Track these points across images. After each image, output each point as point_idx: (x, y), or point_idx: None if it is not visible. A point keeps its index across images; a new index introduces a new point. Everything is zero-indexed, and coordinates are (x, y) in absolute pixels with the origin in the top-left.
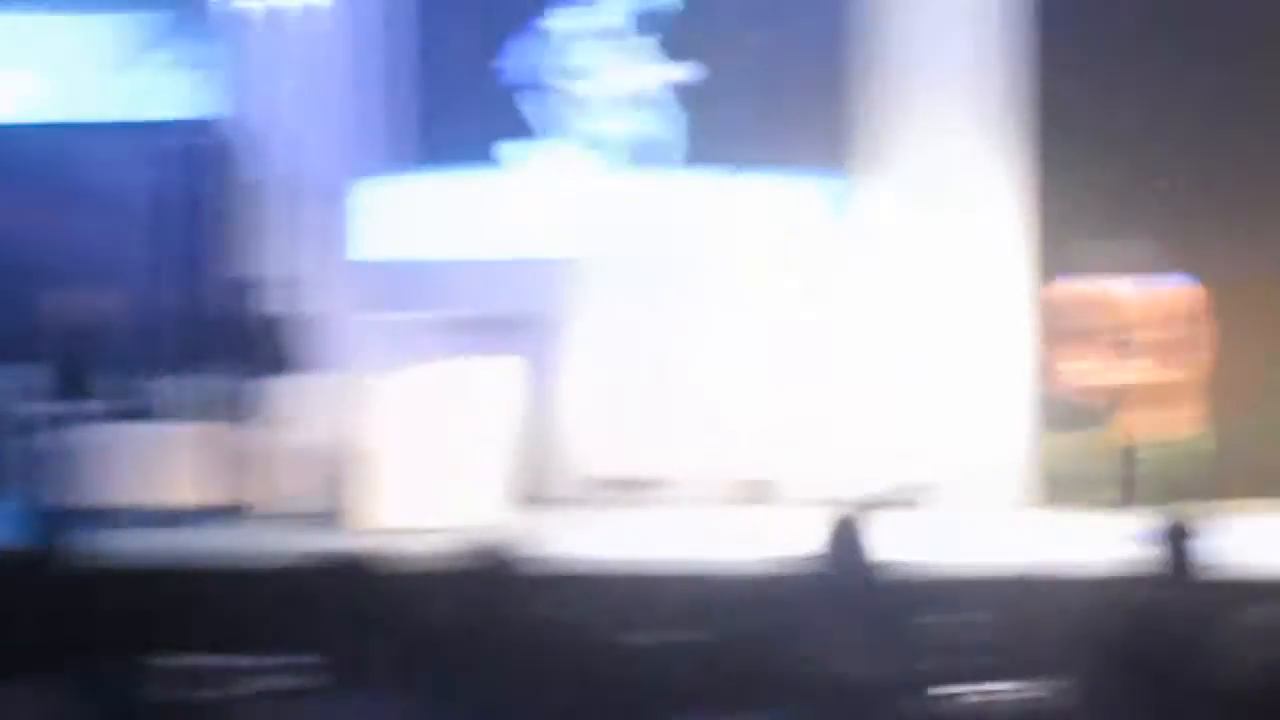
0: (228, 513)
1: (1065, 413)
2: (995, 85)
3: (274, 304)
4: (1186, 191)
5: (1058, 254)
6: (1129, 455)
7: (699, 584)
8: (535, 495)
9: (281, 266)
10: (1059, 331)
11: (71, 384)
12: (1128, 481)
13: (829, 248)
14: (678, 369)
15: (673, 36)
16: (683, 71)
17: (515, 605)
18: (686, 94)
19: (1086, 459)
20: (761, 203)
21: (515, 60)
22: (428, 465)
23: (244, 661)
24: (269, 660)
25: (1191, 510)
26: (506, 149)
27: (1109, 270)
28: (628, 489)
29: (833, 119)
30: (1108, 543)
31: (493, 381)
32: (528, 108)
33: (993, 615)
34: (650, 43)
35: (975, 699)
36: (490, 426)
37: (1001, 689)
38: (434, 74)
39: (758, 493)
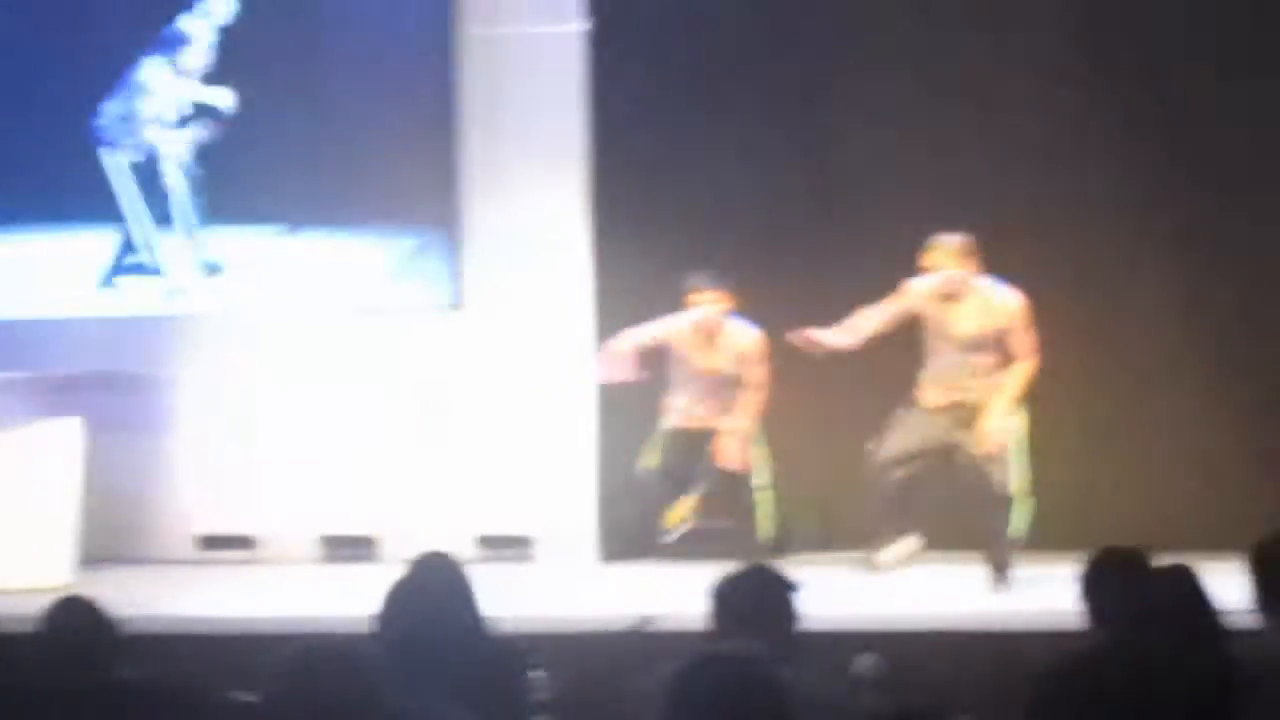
0: None
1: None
2: (571, 156)
3: None
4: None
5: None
6: (718, 502)
7: (295, 641)
8: (132, 555)
9: None
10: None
11: None
12: (714, 531)
13: (420, 308)
14: (275, 427)
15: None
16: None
17: (97, 666)
18: (278, 150)
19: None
20: (355, 261)
21: (92, 115)
22: None
23: None
24: None
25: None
26: (85, 205)
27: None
28: (228, 547)
29: (423, 178)
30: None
31: (65, 442)
32: (108, 162)
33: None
34: (225, 95)
35: None
36: (60, 488)
37: None
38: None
39: (359, 550)
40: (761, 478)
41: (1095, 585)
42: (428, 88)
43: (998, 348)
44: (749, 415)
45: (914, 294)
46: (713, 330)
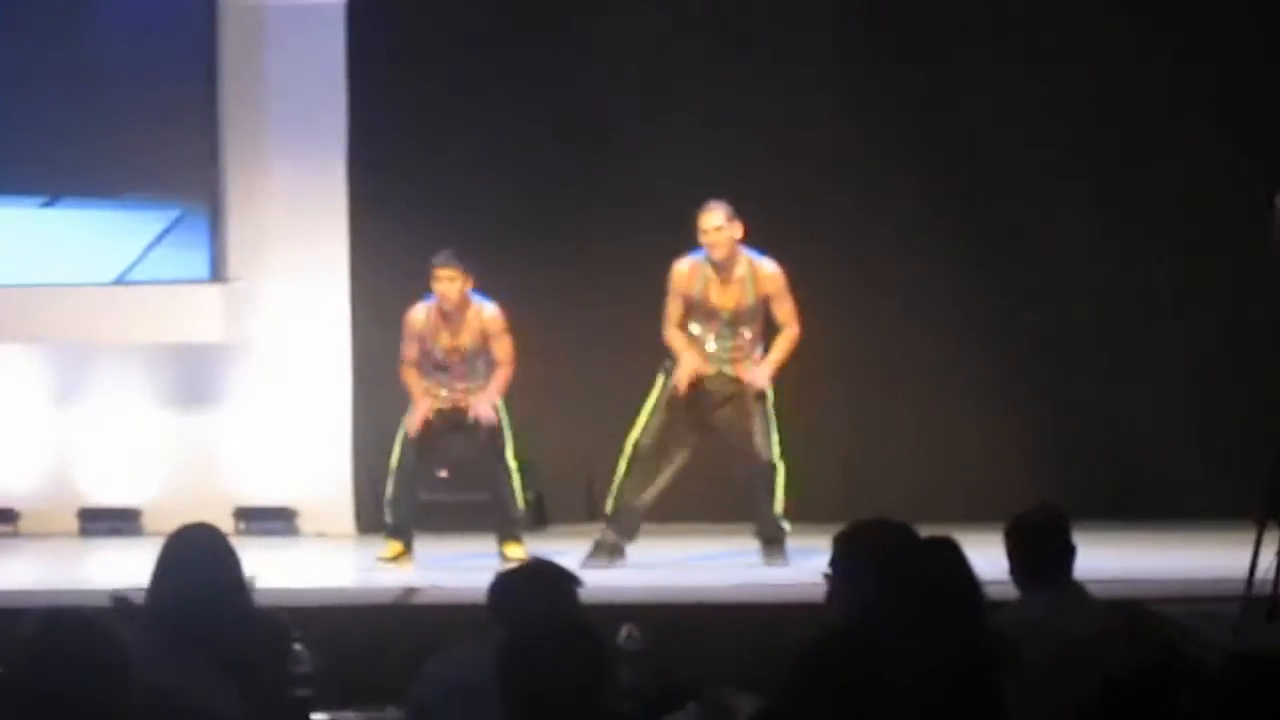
0: None
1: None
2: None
3: None
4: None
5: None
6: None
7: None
8: None
9: None
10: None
11: None
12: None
13: (181, 279)
14: (36, 400)
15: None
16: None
17: None
18: (38, 121)
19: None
20: (115, 232)
21: None
22: None
23: None
24: None
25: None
26: None
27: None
28: None
29: (185, 150)
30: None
31: None
32: None
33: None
34: None
35: None
36: None
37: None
38: None
39: (121, 523)
40: (512, 451)
41: (851, 556)
42: (190, 58)
43: (760, 318)
44: (499, 388)
45: (681, 277)
46: (452, 309)
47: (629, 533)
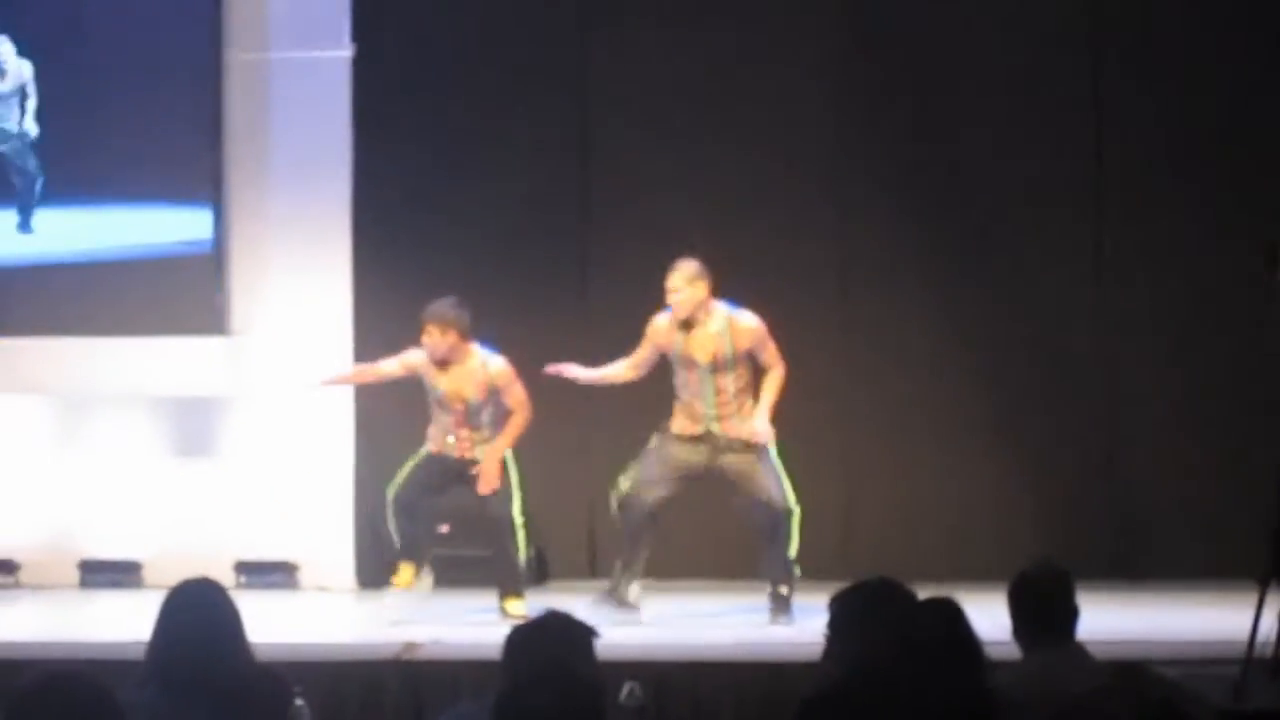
0: None
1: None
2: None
3: None
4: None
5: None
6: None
7: (38, 667)
8: None
9: None
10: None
11: None
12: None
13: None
14: (36, 449)
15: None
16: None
17: None
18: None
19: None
20: (119, 283)
21: None
22: None
23: None
24: None
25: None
26: None
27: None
28: None
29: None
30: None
31: None
32: None
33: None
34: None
35: None
36: None
37: None
38: None
39: (121, 576)
40: (516, 504)
41: (849, 616)
42: (195, 111)
43: (744, 369)
44: (511, 437)
45: (660, 330)
46: (450, 360)
47: (632, 577)
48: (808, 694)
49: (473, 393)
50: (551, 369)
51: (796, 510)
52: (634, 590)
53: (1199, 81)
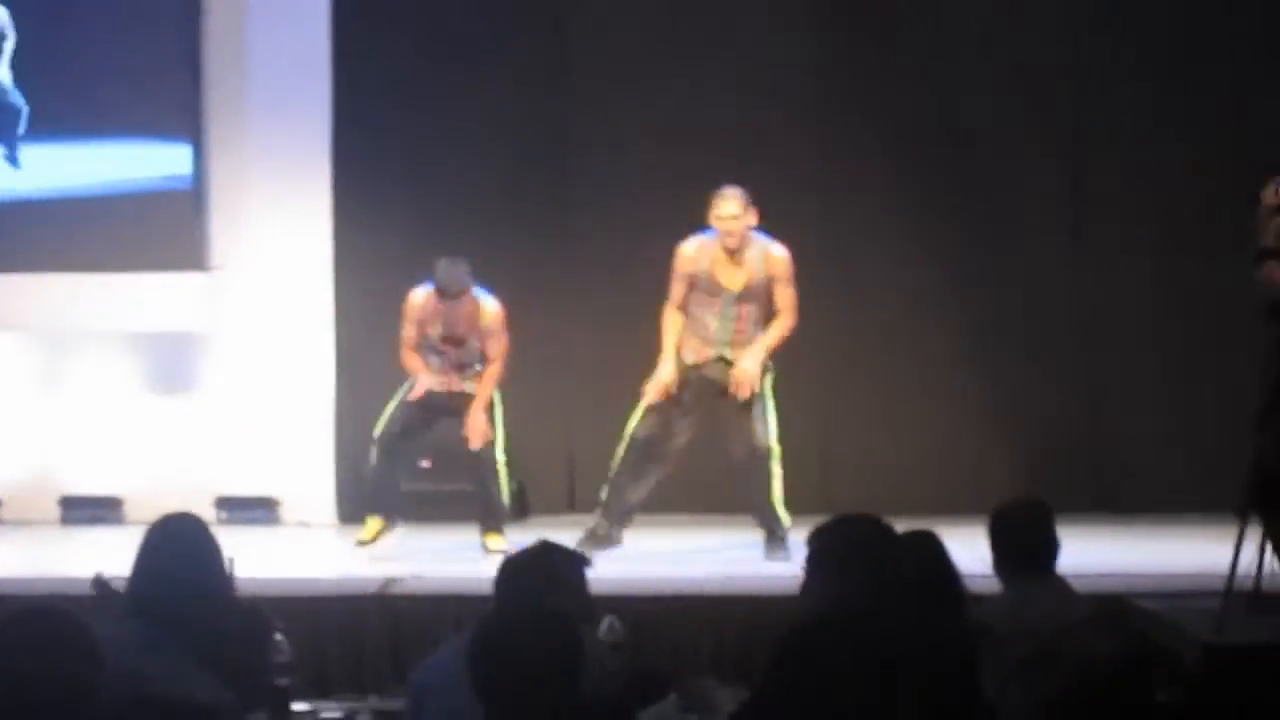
0: None
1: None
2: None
3: None
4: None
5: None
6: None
7: (13, 603)
8: None
9: None
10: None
11: None
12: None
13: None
14: (15, 386)
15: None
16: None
17: None
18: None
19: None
20: (97, 218)
21: None
22: None
23: None
24: None
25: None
26: None
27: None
28: None
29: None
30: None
31: None
32: None
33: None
34: None
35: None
36: None
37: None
38: None
39: (102, 512)
40: (499, 442)
41: (827, 552)
42: (173, 44)
43: (765, 300)
44: (491, 384)
45: (688, 259)
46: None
47: (622, 522)
48: (786, 627)
49: (464, 329)
50: (656, 397)
51: (777, 449)
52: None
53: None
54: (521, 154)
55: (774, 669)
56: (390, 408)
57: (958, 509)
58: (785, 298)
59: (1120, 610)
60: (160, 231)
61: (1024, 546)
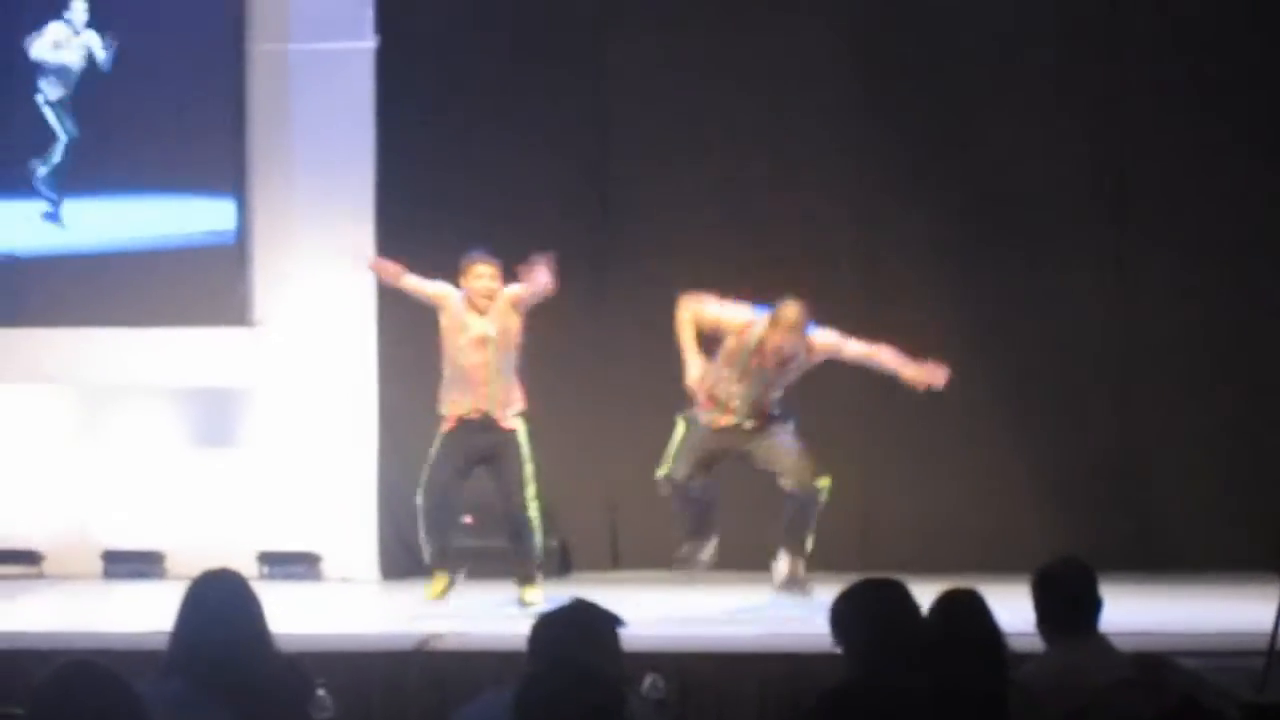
0: None
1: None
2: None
3: None
4: None
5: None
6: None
7: (60, 657)
8: None
9: None
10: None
11: None
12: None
13: (210, 322)
14: (60, 439)
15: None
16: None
17: None
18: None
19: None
20: (143, 275)
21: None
22: None
23: None
24: None
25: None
26: None
27: None
28: (12, 562)
29: (213, 194)
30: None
31: None
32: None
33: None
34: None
35: None
36: None
37: None
38: None
39: (144, 566)
40: (530, 489)
41: (847, 619)
42: (218, 102)
43: (783, 383)
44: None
45: (741, 325)
46: (487, 302)
47: (703, 538)
48: (820, 689)
49: (500, 331)
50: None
51: (825, 484)
52: (705, 554)
53: (1221, 69)
54: (563, 207)
55: None
56: (427, 467)
57: (996, 567)
58: (851, 350)
59: (1162, 669)
60: (204, 286)
61: (1067, 605)
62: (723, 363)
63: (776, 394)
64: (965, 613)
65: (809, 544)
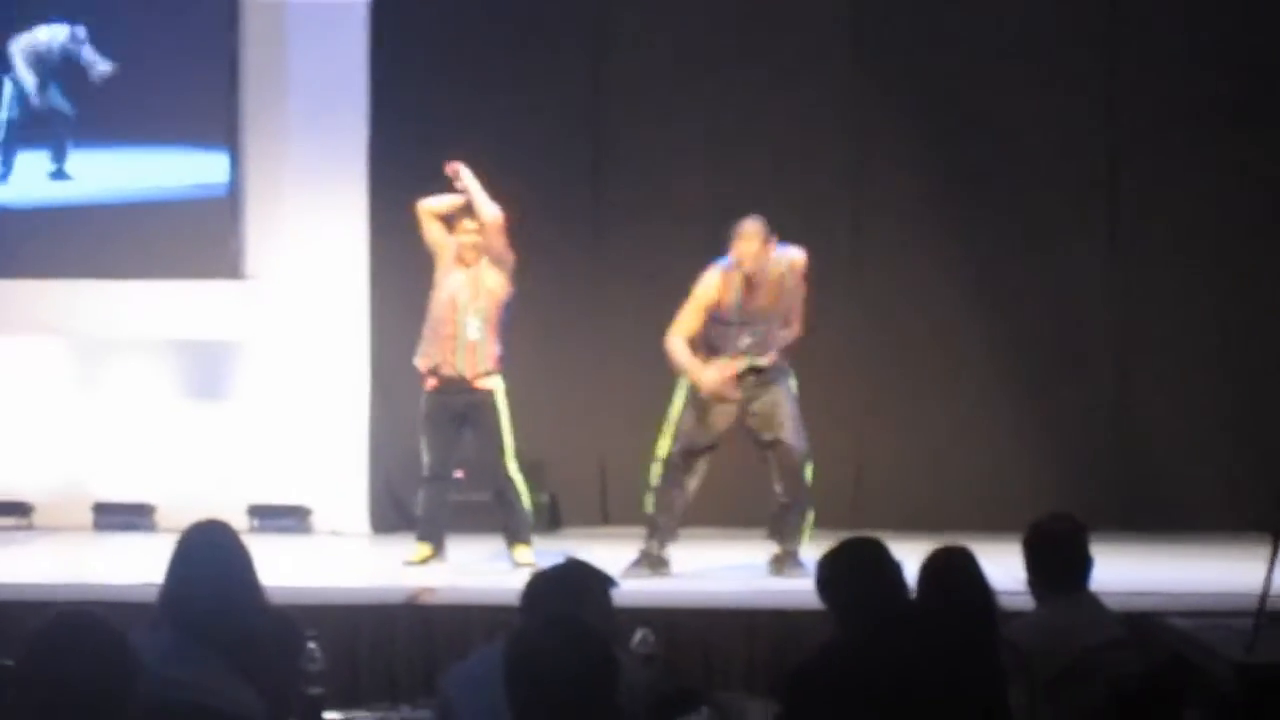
0: None
1: None
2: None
3: None
4: None
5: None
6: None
7: (50, 608)
8: None
9: None
10: None
11: None
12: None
13: (201, 275)
14: (52, 392)
15: None
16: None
17: None
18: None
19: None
20: (136, 226)
21: None
22: None
23: None
24: None
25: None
26: None
27: None
28: (1, 514)
29: (205, 147)
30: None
31: None
32: None
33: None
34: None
35: None
36: None
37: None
38: None
39: (134, 518)
40: (509, 450)
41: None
42: (211, 52)
43: (784, 316)
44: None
45: (712, 287)
46: (473, 254)
47: (669, 537)
48: (794, 665)
49: (474, 288)
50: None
51: (810, 464)
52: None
53: (1220, 47)
54: (557, 166)
55: (788, 705)
56: (422, 439)
57: (989, 525)
58: (796, 299)
59: (1152, 629)
60: (196, 239)
61: (1058, 563)
62: (720, 328)
63: (782, 332)
64: (957, 570)
65: (805, 538)
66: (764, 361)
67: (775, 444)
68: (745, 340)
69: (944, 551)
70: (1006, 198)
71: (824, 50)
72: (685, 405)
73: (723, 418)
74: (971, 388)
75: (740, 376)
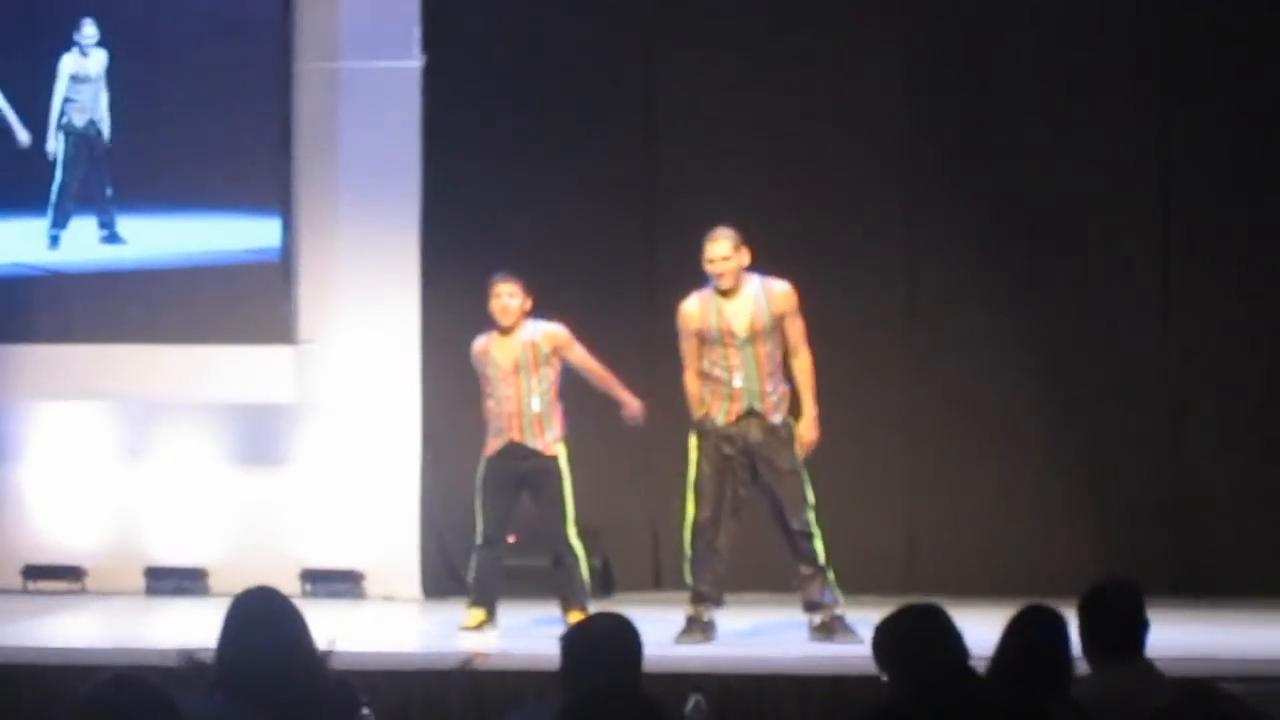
0: None
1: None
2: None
3: None
4: None
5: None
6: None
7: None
8: None
9: None
10: None
11: None
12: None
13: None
14: (104, 456)
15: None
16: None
17: None
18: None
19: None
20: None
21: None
22: None
23: None
24: None
25: None
26: None
27: None
28: (55, 578)
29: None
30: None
31: None
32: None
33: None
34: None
35: None
36: None
37: None
38: None
39: (186, 583)
40: (569, 516)
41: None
42: (265, 119)
43: (777, 342)
44: (610, 380)
45: (693, 315)
46: (514, 328)
47: (714, 603)
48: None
49: (527, 360)
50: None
51: (817, 533)
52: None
53: (1268, 67)
54: (609, 233)
55: None
56: (477, 504)
57: (1041, 589)
58: (796, 332)
59: (1206, 694)
60: (249, 304)
61: (1114, 628)
62: (707, 349)
63: (773, 373)
64: (1044, 630)
65: (839, 593)
66: (761, 408)
67: (792, 473)
68: (738, 380)
69: (1031, 610)
70: (1056, 256)
71: (877, 105)
72: (698, 459)
73: (735, 455)
74: (1022, 451)
75: (743, 420)
